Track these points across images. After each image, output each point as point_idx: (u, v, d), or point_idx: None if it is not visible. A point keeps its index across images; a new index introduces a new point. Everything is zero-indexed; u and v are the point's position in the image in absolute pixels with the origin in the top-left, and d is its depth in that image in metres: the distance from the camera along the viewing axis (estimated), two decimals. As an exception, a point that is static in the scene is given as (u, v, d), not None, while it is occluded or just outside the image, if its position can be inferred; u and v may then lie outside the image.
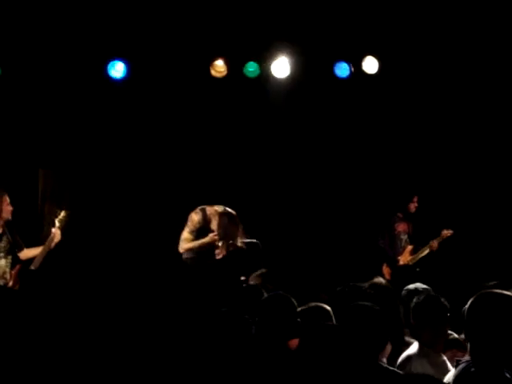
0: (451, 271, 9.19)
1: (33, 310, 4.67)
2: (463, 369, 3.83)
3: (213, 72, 10.14)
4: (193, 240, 8.53)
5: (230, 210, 8.55)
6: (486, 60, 10.17)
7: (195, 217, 8.55)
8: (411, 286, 5.95)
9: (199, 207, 8.63)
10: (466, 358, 3.93)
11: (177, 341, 4.56)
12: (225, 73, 10.16)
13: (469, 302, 3.84)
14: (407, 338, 5.41)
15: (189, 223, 8.56)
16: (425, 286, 5.99)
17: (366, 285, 6.47)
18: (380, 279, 6.72)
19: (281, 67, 10.17)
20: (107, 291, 5.86)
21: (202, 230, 8.52)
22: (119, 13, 9.75)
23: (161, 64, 10.02)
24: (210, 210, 8.56)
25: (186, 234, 8.59)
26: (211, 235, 8.45)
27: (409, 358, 5.12)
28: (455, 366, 3.98)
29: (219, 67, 10.15)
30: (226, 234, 8.36)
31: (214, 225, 8.48)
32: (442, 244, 10.04)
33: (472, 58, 10.16)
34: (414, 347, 5.19)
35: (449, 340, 5.33)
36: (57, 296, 5.28)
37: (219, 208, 8.55)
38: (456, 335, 5.40)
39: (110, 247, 10.30)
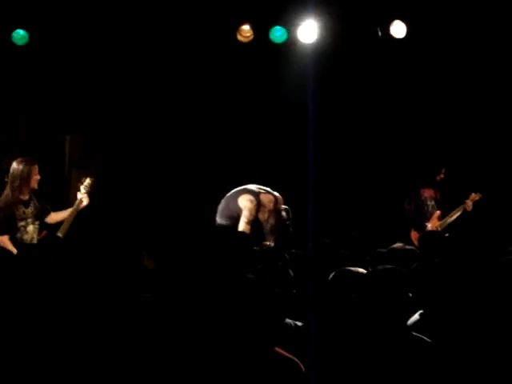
0: (479, 237, 9.10)
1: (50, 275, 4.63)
2: None
3: (239, 37, 10.06)
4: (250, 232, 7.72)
5: (277, 195, 8.14)
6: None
7: (251, 205, 7.88)
8: None
9: (250, 192, 8.01)
10: None
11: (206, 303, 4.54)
12: (251, 38, 10.07)
13: None
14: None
15: (245, 212, 7.87)
16: None
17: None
18: (398, 244, 6.68)
19: (308, 32, 10.02)
20: (132, 259, 5.82)
21: (254, 220, 7.93)
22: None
23: (188, 30, 9.95)
24: (263, 198, 8.00)
25: (244, 225, 7.86)
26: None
27: None
28: None
29: (245, 32, 10.06)
30: (277, 232, 8.02)
31: (262, 213, 7.96)
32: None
33: (504, 22, 10.01)
34: None
35: None
36: (79, 264, 5.28)
37: (271, 198, 8.05)
38: None
39: (135, 214, 10.32)
